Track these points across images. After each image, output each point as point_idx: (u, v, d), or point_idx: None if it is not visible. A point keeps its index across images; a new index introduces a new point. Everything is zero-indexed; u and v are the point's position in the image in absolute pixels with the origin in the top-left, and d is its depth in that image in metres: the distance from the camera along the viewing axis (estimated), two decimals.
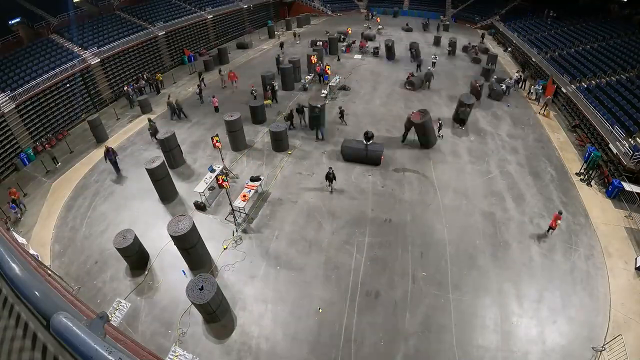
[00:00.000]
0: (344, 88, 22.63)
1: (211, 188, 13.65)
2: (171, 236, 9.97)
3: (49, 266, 10.44)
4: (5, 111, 16.89)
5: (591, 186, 14.09)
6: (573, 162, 15.66)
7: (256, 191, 13.34)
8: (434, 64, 25.77)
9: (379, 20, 39.09)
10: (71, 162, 16.84)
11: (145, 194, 14.00)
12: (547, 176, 14.66)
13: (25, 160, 17.09)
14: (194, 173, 15.17)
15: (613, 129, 15.69)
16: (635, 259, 10.76)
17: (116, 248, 10.37)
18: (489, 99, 21.37)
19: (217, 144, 12.62)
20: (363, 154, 15.07)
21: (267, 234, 11.98)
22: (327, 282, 10.30)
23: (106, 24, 25.67)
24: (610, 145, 15.26)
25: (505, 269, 10.59)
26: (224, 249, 11.41)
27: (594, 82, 20.48)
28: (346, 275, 10.46)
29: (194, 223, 10.27)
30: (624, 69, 20.53)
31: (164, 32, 27.76)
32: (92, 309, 4.14)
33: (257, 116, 18.75)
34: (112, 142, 17.58)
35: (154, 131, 17.12)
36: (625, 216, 12.57)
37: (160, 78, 24.97)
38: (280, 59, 26.45)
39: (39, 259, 10.16)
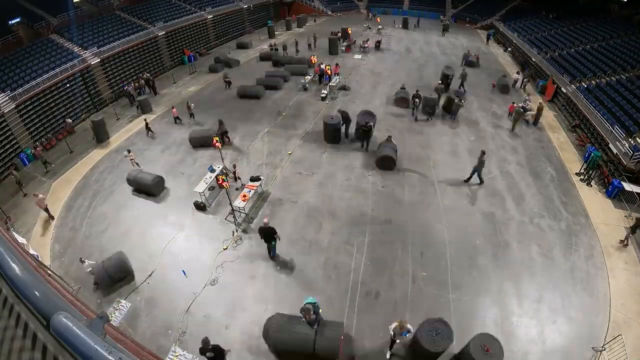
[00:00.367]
0: (344, 88, 22.64)
1: (211, 188, 13.65)
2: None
3: (49, 266, 10.43)
4: (5, 111, 16.90)
5: (591, 186, 14.10)
6: (573, 162, 15.66)
7: (256, 191, 13.34)
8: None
9: (379, 20, 39.13)
10: (71, 162, 16.84)
11: (145, 194, 14.00)
12: (547, 176, 14.67)
13: (25, 160, 17.09)
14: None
15: (613, 129, 15.70)
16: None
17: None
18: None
19: (217, 144, 12.61)
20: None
21: None
22: (327, 282, 10.30)
23: (106, 24, 25.69)
24: (610, 145, 15.26)
25: (505, 269, 10.59)
26: (224, 249, 11.40)
27: (594, 82, 20.49)
28: (346, 275, 10.46)
29: None
30: (624, 69, 20.55)
31: (164, 32, 27.78)
32: (92, 309, 4.14)
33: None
34: (112, 142, 17.59)
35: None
36: (625, 216, 12.57)
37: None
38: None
39: (39, 259, 10.15)
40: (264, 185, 14.10)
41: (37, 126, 18.53)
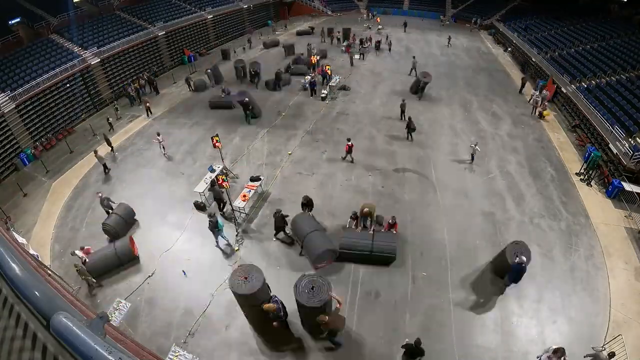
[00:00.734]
0: (344, 88, 22.63)
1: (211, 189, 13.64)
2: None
3: (49, 266, 10.43)
4: (5, 111, 16.90)
5: (591, 186, 14.09)
6: (573, 162, 15.66)
7: (256, 191, 13.34)
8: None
9: (379, 20, 39.11)
10: (71, 162, 16.84)
11: (145, 194, 14.00)
12: (547, 176, 14.66)
13: (25, 160, 17.09)
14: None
15: (613, 129, 15.69)
16: None
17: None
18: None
19: (217, 144, 12.60)
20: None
21: (267, 233, 11.98)
22: None
23: (106, 24, 25.67)
24: (610, 145, 15.26)
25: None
26: (236, 250, 11.37)
27: (594, 82, 20.48)
28: (346, 275, 10.46)
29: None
30: (624, 69, 20.54)
31: (164, 32, 27.76)
32: (92, 309, 4.14)
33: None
34: (112, 142, 17.55)
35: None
36: (625, 216, 12.56)
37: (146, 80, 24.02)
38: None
39: (39, 259, 10.15)
40: (264, 185, 14.09)
41: (37, 126, 18.52)
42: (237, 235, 11.87)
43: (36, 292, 3.03)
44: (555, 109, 20.83)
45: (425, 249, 11.26)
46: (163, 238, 12.01)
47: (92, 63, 22.01)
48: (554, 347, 7.63)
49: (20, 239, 10.81)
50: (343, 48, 30.63)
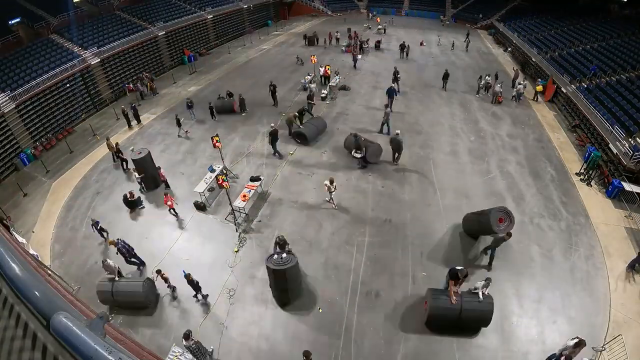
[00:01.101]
0: (344, 88, 22.64)
1: (211, 189, 13.64)
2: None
3: (49, 266, 10.44)
4: (5, 111, 16.90)
5: (591, 186, 14.09)
6: (573, 162, 15.66)
7: (256, 191, 13.34)
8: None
9: (379, 20, 39.13)
10: (71, 162, 16.84)
11: (145, 194, 14.01)
12: (547, 176, 14.66)
13: (25, 160, 17.10)
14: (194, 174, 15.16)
15: (613, 129, 15.69)
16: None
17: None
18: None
19: (217, 144, 12.61)
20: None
21: (267, 233, 11.98)
22: (327, 282, 10.30)
23: (106, 24, 25.69)
24: (610, 145, 15.26)
25: (505, 269, 10.59)
26: (235, 251, 11.37)
27: (594, 82, 20.48)
28: (346, 275, 10.46)
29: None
30: (624, 69, 20.53)
31: (164, 32, 27.78)
32: (92, 309, 4.14)
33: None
34: (113, 142, 17.52)
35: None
36: (625, 216, 12.56)
37: (151, 84, 24.06)
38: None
39: (39, 259, 10.15)
40: (264, 185, 14.10)
41: (37, 126, 18.53)
42: (238, 236, 11.86)
43: (36, 292, 3.03)
44: (555, 109, 20.84)
45: (425, 249, 11.26)
46: (163, 238, 12.02)
47: (92, 63, 22.02)
48: (574, 340, 7.52)
49: (20, 239, 10.82)
50: (343, 48, 30.66)
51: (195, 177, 14.52)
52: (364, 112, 19.89)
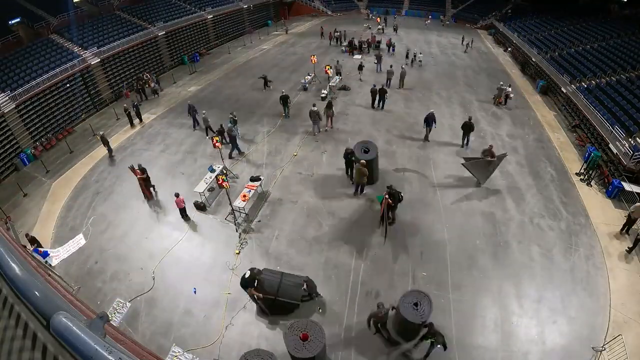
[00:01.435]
0: (344, 88, 22.64)
1: (211, 189, 13.65)
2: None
3: (49, 266, 10.43)
4: (5, 111, 16.89)
5: (591, 186, 14.09)
6: (573, 162, 15.66)
7: (256, 191, 13.34)
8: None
9: (379, 20, 39.12)
10: (71, 162, 16.84)
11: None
12: (547, 176, 14.66)
13: (25, 160, 17.10)
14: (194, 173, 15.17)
15: (613, 129, 15.69)
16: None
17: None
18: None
19: (217, 144, 12.61)
20: None
21: (267, 234, 11.99)
22: (327, 282, 10.30)
23: (106, 24, 25.68)
24: (610, 145, 15.25)
25: (505, 269, 10.59)
26: (237, 253, 11.36)
27: (594, 82, 20.48)
28: (346, 275, 10.46)
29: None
30: (624, 69, 20.54)
31: (164, 32, 27.77)
32: (92, 309, 4.14)
33: None
34: (113, 142, 17.58)
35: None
36: (625, 216, 12.54)
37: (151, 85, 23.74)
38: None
39: (50, 256, 10.13)
40: (264, 185, 14.10)
41: (37, 126, 18.52)
42: (239, 237, 11.86)
43: (36, 292, 3.02)
44: (555, 109, 20.84)
45: (425, 249, 11.26)
46: (163, 238, 12.02)
47: (92, 63, 22.02)
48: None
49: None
50: (343, 48, 30.67)
51: (195, 177, 14.52)
52: (364, 112, 19.88)
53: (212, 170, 13.78)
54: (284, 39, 34.82)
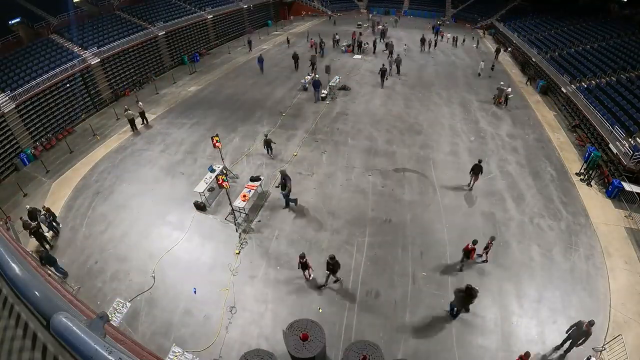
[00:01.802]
0: (344, 88, 22.64)
1: (211, 189, 13.64)
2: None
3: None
4: (5, 111, 16.88)
5: (591, 186, 14.09)
6: (573, 162, 15.66)
7: (256, 191, 13.34)
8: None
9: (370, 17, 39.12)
10: (71, 162, 16.84)
11: (145, 194, 14.01)
12: (547, 176, 14.66)
13: (25, 160, 17.09)
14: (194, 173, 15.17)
15: (613, 129, 15.69)
16: None
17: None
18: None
19: (217, 144, 12.62)
20: None
21: (267, 234, 11.99)
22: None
23: (106, 24, 25.66)
24: (610, 145, 15.25)
25: (505, 268, 10.59)
26: (237, 253, 11.36)
27: (594, 82, 20.48)
28: (346, 275, 10.46)
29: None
30: (624, 69, 20.53)
31: (164, 32, 27.76)
32: (92, 309, 4.14)
33: None
34: (113, 142, 17.59)
35: None
36: (625, 216, 12.56)
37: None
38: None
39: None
40: (264, 185, 14.10)
41: (37, 126, 18.52)
42: (239, 237, 11.85)
43: (36, 292, 3.02)
44: (555, 109, 20.84)
45: (425, 249, 11.26)
46: (163, 238, 12.01)
47: (92, 63, 22.00)
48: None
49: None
50: (343, 48, 30.67)
51: (195, 177, 14.52)
52: (364, 111, 19.88)
53: (212, 170, 13.78)
54: (284, 39, 34.76)
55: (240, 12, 37.33)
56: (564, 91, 20.50)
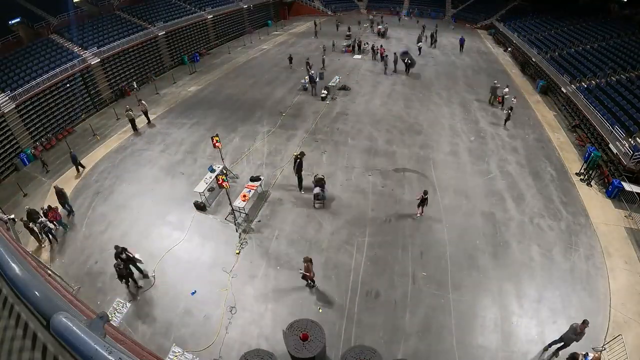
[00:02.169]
0: (344, 88, 22.65)
1: (211, 189, 13.64)
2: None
3: (49, 266, 10.44)
4: (5, 111, 16.88)
5: (591, 186, 14.09)
6: (573, 162, 15.66)
7: (256, 191, 13.34)
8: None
9: (372, 16, 39.12)
10: (71, 162, 16.78)
11: (145, 194, 14.01)
12: (547, 176, 14.66)
13: (25, 160, 17.09)
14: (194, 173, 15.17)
15: (613, 129, 15.69)
16: None
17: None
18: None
19: (217, 144, 12.62)
20: None
21: (267, 234, 11.98)
22: (327, 282, 10.30)
23: (106, 24, 25.67)
24: (610, 145, 15.25)
25: (505, 269, 10.60)
26: (237, 253, 11.35)
27: (594, 82, 20.48)
28: (346, 275, 10.46)
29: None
30: (624, 69, 20.53)
31: (164, 32, 27.76)
32: (92, 309, 4.14)
33: None
34: (113, 142, 17.58)
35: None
36: (625, 216, 12.56)
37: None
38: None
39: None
40: (264, 185, 14.10)
41: (37, 126, 18.52)
42: (239, 237, 11.85)
43: (36, 292, 3.02)
44: (555, 109, 20.84)
45: (425, 249, 11.26)
46: (163, 238, 12.02)
47: (92, 63, 22.01)
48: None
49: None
50: (343, 48, 30.69)
51: (195, 177, 14.52)
52: (364, 111, 19.88)
53: (212, 170, 13.78)
54: (284, 39, 34.81)
55: (240, 12, 37.34)
56: (564, 91, 20.49)
